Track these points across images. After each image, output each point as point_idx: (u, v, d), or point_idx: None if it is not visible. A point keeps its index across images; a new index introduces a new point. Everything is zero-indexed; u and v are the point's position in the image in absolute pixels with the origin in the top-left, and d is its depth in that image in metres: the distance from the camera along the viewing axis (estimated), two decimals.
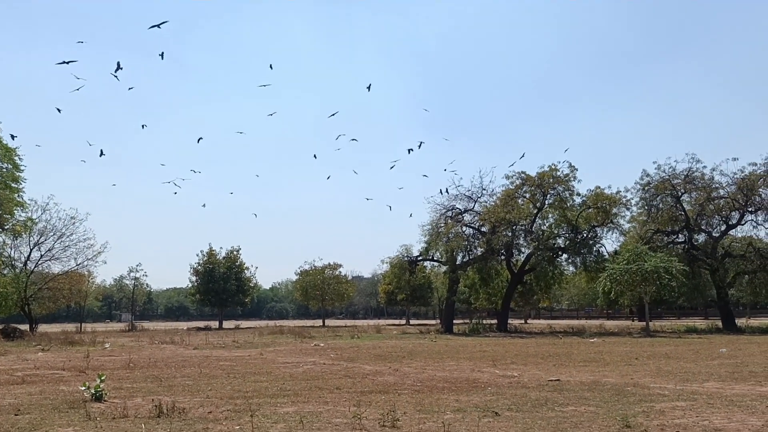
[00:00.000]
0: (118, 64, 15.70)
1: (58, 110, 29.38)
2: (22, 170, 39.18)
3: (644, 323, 43.55)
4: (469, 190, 48.70)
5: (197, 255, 67.53)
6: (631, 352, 23.96)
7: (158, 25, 15.98)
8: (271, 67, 36.49)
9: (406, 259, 54.69)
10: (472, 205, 48.79)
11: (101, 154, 32.87)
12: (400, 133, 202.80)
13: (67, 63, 15.72)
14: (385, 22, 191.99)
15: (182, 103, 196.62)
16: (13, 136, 37.23)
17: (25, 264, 47.96)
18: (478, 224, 48.44)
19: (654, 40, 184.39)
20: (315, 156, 79.93)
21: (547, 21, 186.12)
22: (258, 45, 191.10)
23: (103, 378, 12.09)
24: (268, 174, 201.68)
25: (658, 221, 48.09)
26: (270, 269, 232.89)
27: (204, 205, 66.24)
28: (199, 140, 64.89)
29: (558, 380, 14.43)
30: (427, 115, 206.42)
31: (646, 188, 47.81)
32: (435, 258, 52.37)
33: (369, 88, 33.97)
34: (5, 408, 10.74)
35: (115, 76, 18.46)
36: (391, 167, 45.26)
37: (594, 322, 64.91)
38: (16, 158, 38.41)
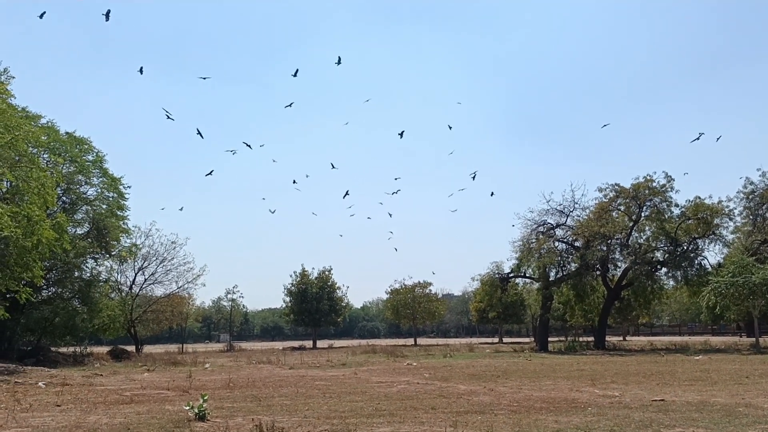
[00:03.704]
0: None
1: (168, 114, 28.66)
2: (127, 198, 41.44)
3: (753, 339, 41.29)
4: (560, 204, 47.61)
5: (290, 276, 68.93)
6: (741, 370, 22.68)
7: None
8: (296, 73, 35.17)
9: (497, 276, 53.87)
10: (564, 219, 47.68)
11: (168, 117, 30.96)
12: (484, 144, 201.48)
13: None
14: (466, 39, 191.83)
15: (269, 126, 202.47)
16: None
17: (131, 288, 50.60)
18: (571, 239, 47.32)
19: (751, 39, 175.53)
20: (398, 190, 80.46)
21: (639, 19, 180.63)
22: (341, 67, 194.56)
23: (205, 398, 12.48)
24: (355, 194, 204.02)
25: (765, 231, 45.51)
26: (361, 288, 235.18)
27: (264, 198, 66.10)
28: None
29: (663, 400, 13.83)
30: (512, 125, 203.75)
31: (750, 197, 45.34)
32: (527, 274, 51.56)
33: (339, 61, 32.31)
34: (116, 427, 11.26)
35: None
36: (473, 176, 44.79)
37: (698, 338, 61.84)
38: (121, 187, 40.67)
